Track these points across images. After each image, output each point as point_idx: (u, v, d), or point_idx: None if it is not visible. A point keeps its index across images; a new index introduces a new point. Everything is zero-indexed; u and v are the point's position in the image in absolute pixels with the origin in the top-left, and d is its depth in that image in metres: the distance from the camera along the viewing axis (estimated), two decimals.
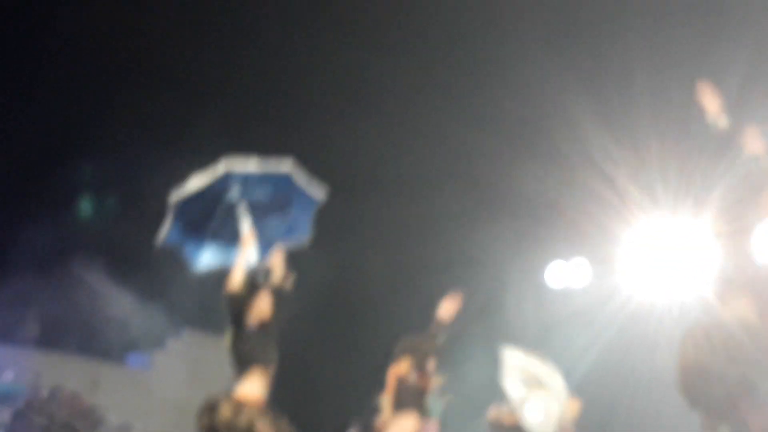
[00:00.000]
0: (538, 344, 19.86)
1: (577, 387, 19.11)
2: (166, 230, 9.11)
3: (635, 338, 18.34)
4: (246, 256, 8.70)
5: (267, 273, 8.71)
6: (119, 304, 19.55)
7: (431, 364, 10.73)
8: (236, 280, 8.49)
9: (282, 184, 9.13)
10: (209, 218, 9.19)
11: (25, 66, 20.32)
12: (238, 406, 8.42)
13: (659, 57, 18.13)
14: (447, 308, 11.21)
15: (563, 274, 20.27)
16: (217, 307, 20.19)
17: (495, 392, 12.95)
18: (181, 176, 9.10)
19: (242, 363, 8.51)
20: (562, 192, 18.86)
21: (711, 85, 9.75)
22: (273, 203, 9.22)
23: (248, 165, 8.94)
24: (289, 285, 8.67)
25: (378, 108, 21.05)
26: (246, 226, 8.89)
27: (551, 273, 20.46)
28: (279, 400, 9.10)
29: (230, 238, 9.07)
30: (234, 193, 9.00)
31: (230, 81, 21.33)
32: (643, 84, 18.04)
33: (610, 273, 19.26)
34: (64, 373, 19.68)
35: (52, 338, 20.89)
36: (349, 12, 20.06)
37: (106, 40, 19.36)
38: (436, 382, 11.09)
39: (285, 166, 9.07)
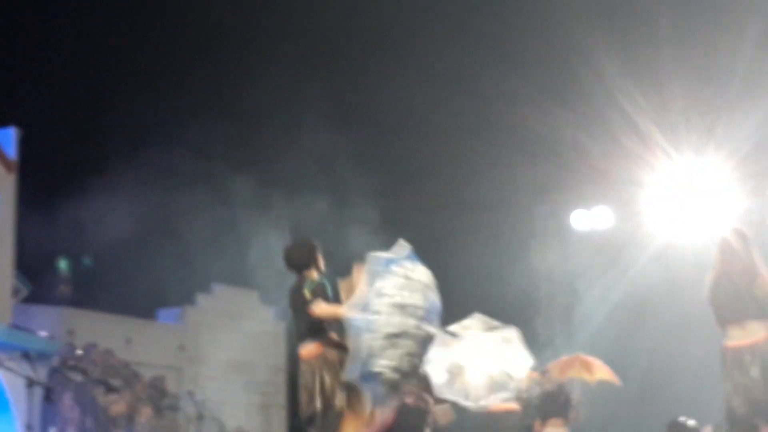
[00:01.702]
0: (563, 284, 20.12)
1: (600, 326, 19.36)
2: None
3: (659, 277, 18.45)
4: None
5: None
6: (150, 260, 19.76)
7: None
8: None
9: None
10: None
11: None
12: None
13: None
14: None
15: (587, 217, 20.39)
16: (245, 264, 20.40)
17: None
18: None
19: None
20: (586, 136, 18.91)
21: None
22: None
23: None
24: None
25: (411, 58, 21.18)
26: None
27: (576, 218, 20.59)
28: None
29: None
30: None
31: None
32: (667, 27, 18.02)
33: (634, 215, 19.34)
34: (97, 331, 19.93)
35: (84, 297, 21.15)
36: None
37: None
38: None
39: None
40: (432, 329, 8.52)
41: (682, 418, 11.46)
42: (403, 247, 8.59)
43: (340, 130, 19.11)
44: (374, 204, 18.81)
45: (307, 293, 8.69)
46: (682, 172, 18.17)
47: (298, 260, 8.91)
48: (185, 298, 24.06)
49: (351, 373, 8.28)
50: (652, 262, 18.74)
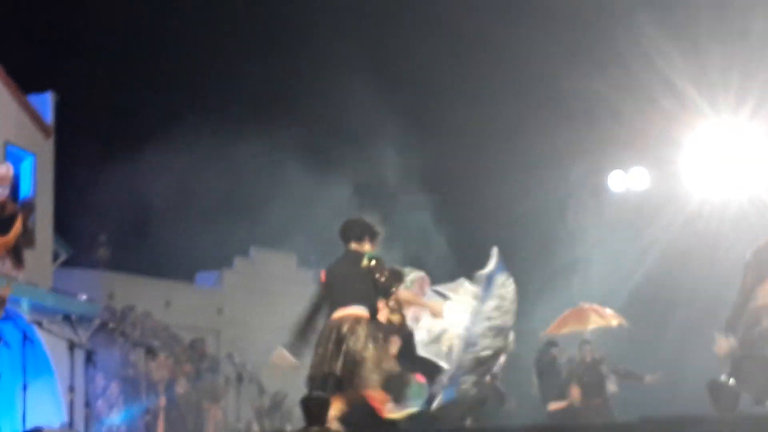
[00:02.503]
0: (601, 245, 20.10)
1: (638, 286, 19.34)
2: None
3: (696, 237, 18.40)
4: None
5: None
6: (189, 224, 19.87)
7: None
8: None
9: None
10: None
11: None
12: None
13: None
14: None
15: (624, 178, 20.35)
16: (283, 227, 20.46)
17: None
18: None
19: None
20: (623, 97, 18.82)
21: None
22: None
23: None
24: None
25: (448, 22, 21.16)
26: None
27: (612, 179, 20.54)
28: None
29: None
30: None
31: None
32: None
33: (671, 176, 19.26)
34: (136, 294, 20.09)
35: (123, 260, 21.32)
36: None
37: None
38: None
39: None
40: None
41: (723, 377, 11.40)
42: (494, 257, 9.16)
43: (379, 94, 19.11)
44: (411, 167, 18.84)
45: (365, 261, 9.09)
46: (719, 132, 18.06)
47: (356, 232, 9.32)
48: (223, 262, 24.22)
49: (439, 381, 8.93)
50: (689, 223, 18.68)
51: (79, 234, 20.33)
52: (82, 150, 20.71)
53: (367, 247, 9.26)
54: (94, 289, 19.45)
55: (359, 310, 8.98)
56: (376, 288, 9.10)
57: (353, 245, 9.25)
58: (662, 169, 19.69)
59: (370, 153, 18.90)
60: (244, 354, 20.00)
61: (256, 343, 22.86)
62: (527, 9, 20.56)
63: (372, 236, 9.36)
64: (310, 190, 18.85)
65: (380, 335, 9.11)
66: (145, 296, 20.24)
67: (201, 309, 22.85)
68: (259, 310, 23.50)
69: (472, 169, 21.37)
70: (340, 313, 9.00)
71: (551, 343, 16.20)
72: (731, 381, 9.72)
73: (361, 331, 8.83)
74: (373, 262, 9.09)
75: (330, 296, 9.19)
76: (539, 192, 20.57)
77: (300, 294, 24.48)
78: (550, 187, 20.76)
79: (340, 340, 8.86)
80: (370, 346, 8.78)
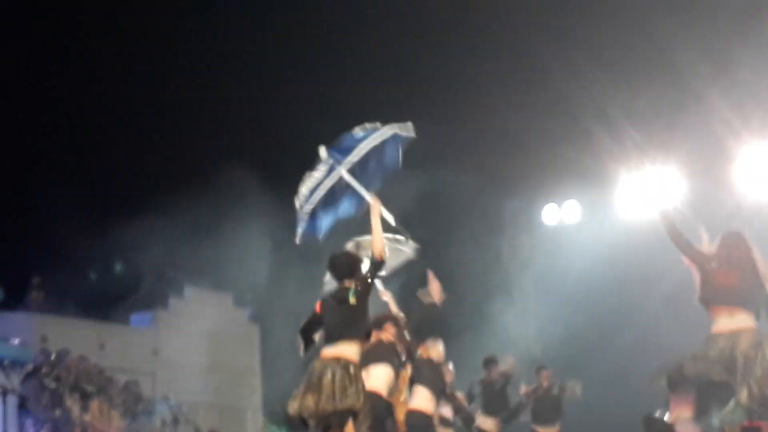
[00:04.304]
0: (533, 278, 20.22)
1: (572, 316, 19.47)
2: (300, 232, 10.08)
3: (627, 269, 18.60)
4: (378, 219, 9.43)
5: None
6: (122, 265, 19.70)
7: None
8: (380, 243, 9.28)
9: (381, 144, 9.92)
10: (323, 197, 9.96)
11: None
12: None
13: None
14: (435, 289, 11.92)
15: (557, 212, 20.52)
16: (217, 265, 20.29)
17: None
18: None
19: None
20: (556, 131, 19.01)
21: None
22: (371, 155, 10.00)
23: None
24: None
25: (388, 53, 21.28)
26: (366, 194, 9.81)
27: (546, 212, 20.71)
28: None
29: (334, 199, 9.84)
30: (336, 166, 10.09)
31: None
32: (638, 27, 18.16)
33: (603, 209, 19.46)
34: (70, 337, 19.84)
35: (57, 303, 21.04)
36: None
37: None
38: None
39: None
40: None
41: (657, 413, 11.48)
42: None
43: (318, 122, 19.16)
44: None
45: (352, 298, 9.11)
46: (651, 167, 18.26)
47: (345, 268, 9.36)
48: (158, 302, 24.01)
49: None
50: (620, 255, 18.88)
51: (11, 277, 20.09)
52: (13, 192, 20.48)
53: (351, 282, 9.28)
54: (27, 332, 19.20)
55: (350, 352, 9.01)
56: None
57: (345, 282, 9.29)
58: (594, 202, 19.89)
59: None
60: (180, 395, 19.81)
61: (192, 384, 22.70)
62: (465, 42, 20.74)
63: (358, 271, 9.41)
64: (245, 230, 18.78)
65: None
66: (80, 339, 19.99)
67: (136, 350, 22.61)
68: (194, 350, 23.31)
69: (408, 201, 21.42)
70: (330, 352, 9.00)
71: (490, 360, 15.93)
72: (666, 416, 9.79)
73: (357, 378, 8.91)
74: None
75: (324, 328, 9.23)
76: (474, 224, 20.68)
77: (235, 334, 24.60)
78: (484, 220, 20.88)
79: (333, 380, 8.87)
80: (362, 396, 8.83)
